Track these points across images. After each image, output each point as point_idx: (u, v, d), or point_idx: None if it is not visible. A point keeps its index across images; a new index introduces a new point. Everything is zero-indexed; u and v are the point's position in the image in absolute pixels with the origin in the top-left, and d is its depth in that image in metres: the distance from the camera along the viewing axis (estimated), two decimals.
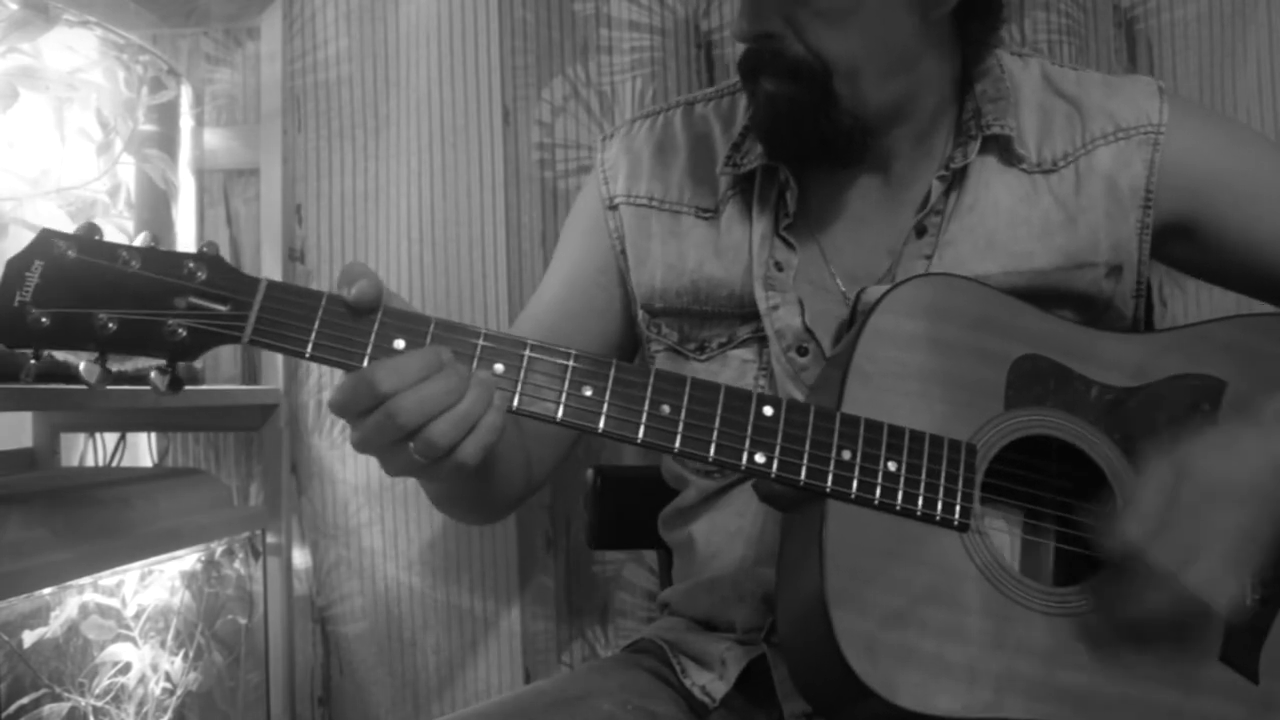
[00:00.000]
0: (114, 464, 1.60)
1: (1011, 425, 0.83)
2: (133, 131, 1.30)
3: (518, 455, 1.01)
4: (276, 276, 1.53)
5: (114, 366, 0.74)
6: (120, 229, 1.29)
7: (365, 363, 0.75)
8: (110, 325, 0.72)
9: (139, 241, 0.75)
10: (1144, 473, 0.80)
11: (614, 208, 1.07)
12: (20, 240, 1.17)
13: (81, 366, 0.73)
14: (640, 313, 1.06)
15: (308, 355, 0.75)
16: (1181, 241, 0.99)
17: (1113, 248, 0.96)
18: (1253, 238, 0.97)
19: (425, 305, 1.51)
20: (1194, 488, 0.77)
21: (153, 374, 0.75)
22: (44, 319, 0.71)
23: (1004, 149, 0.97)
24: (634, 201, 1.06)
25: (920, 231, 0.97)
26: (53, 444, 1.57)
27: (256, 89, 1.58)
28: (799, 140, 0.94)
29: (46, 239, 0.72)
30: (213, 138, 1.59)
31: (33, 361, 0.73)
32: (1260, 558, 0.78)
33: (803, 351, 0.97)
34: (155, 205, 1.35)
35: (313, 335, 0.75)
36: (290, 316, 0.75)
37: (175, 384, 0.76)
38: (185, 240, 1.40)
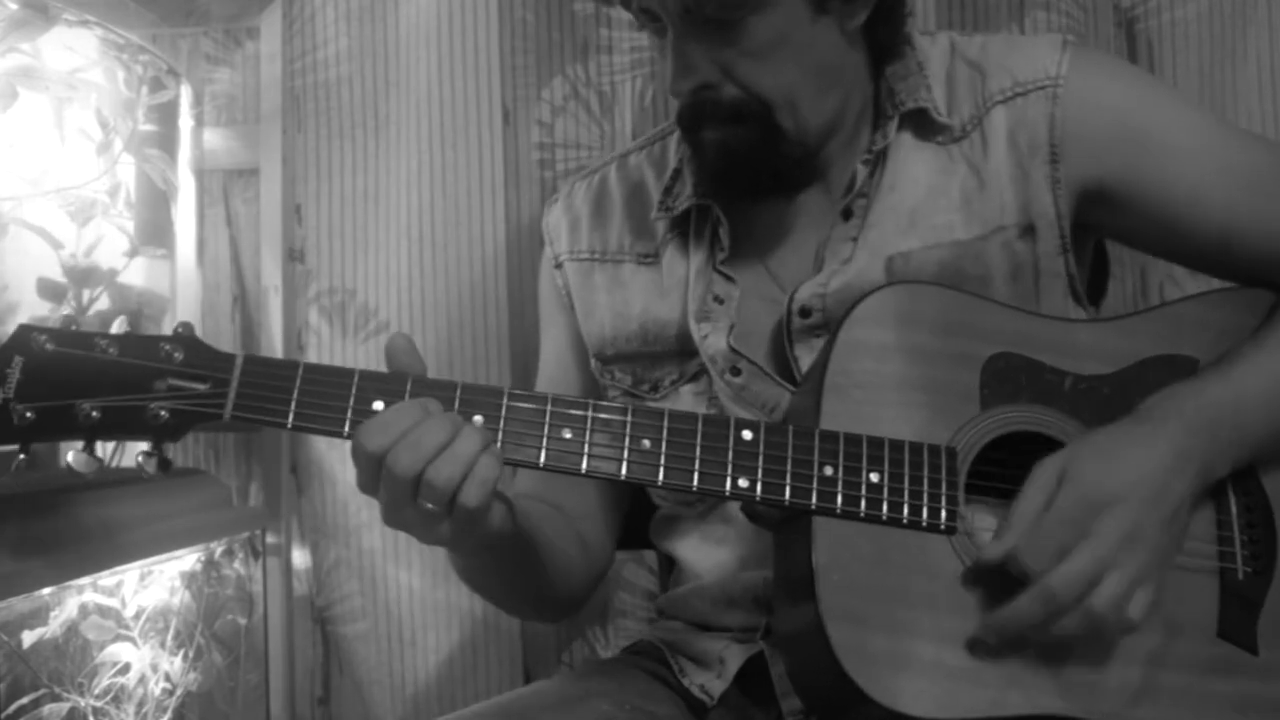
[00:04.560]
0: (113, 464, 1.59)
1: (989, 425, 0.83)
2: (132, 131, 1.30)
3: (565, 544, 1.00)
4: (277, 276, 1.54)
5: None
6: (120, 229, 1.29)
7: (346, 428, 0.75)
8: (94, 414, 0.73)
9: (115, 328, 0.76)
10: (1029, 479, 0.79)
11: (559, 266, 1.09)
12: (20, 240, 1.17)
13: (70, 457, 0.74)
14: (593, 361, 1.06)
15: (289, 426, 0.76)
16: (1101, 207, 0.95)
17: (1021, 208, 0.94)
18: (1169, 197, 0.92)
19: (425, 305, 1.51)
20: (1072, 491, 0.77)
21: (139, 458, 0.76)
22: (29, 414, 0.72)
23: (919, 124, 0.96)
24: (576, 257, 1.08)
25: (847, 215, 0.96)
26: (52, 444, 1.57)
27: (256, 89, 1.58)
28: (754, 179, 0.94)
29: (24, 334, 0.73)
30: (212, 138, 1.59)
31: (21, 457, 0.74)
32: (1145, 557, 0.76)
33: (736, 371, 0.96)
34: (155, 205, 1.35)
35: (292, 405, 0.76)
36: (269, 389, 0.76)
37: (164, 465, 0.77)
38: (185, 240, 1.41)
